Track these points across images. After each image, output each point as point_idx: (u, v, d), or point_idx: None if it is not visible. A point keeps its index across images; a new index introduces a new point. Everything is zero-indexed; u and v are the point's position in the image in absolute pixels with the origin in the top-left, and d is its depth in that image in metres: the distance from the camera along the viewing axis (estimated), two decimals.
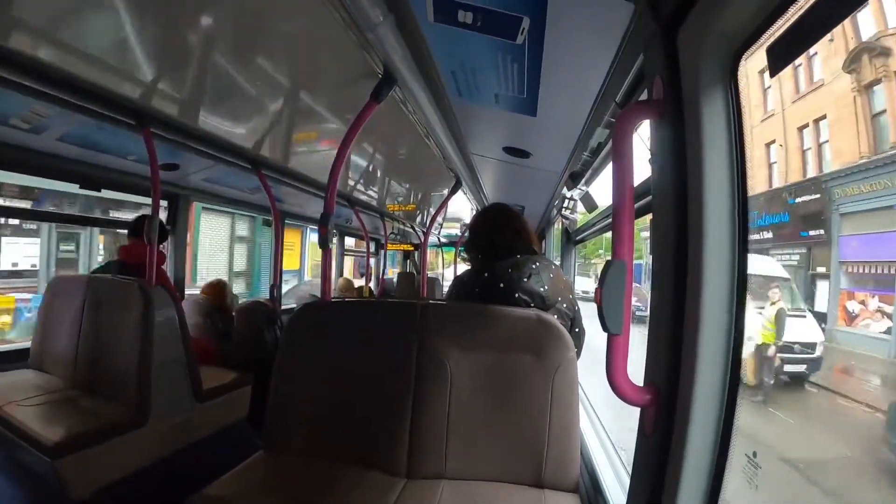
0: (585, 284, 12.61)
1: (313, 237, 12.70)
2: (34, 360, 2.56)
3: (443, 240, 8.61)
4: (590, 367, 1.86)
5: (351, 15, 1.26)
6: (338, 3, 1.22)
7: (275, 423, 1.62)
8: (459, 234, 7.61)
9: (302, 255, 13.24)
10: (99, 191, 3.01)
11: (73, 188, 2.85)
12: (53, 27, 1.46)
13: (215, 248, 10.82)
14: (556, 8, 1.15)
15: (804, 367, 6.04)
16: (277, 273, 3.82)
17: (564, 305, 1.70)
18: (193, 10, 1.43)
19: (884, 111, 5.90)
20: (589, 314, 1.34)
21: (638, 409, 0.96)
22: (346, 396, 1.58)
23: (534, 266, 1.66)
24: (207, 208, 9.78)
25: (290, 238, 12.27)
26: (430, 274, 7.35)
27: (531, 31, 1.27)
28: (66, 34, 1.50)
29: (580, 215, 3.81)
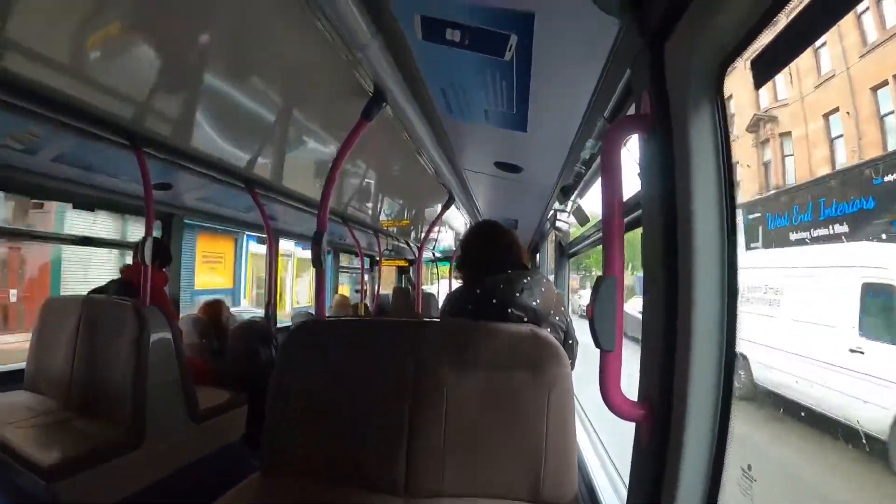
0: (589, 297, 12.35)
1: (255, 247, 11.08)
2: (29, 381, 2.53)
3: (437, 255, 8.61)
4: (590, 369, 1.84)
5: (340, 35, 1.27)
6: (327, 24, 1.24)
7: (271, 444, 1.60)
8: (453, 248, 7.62)
9: (237, 270, 11.00)
10: (92, 210, 3.01)
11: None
12: (48, 48, 1.47)
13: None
14: (542, 25, 1.16)
15: None
16: (272, 291, 3.82)
17: (557, 318, 1.70)
18: (186, 31, 1.45)
19: None
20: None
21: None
22: (342, 415, 1.56)
23: (525, 281, 1.66)
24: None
25: (217, 247, 10.40)
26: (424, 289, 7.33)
27: (518, 48, 1.28)
28: (61, 55, 1.51)
29: (574, 228, 3.82)
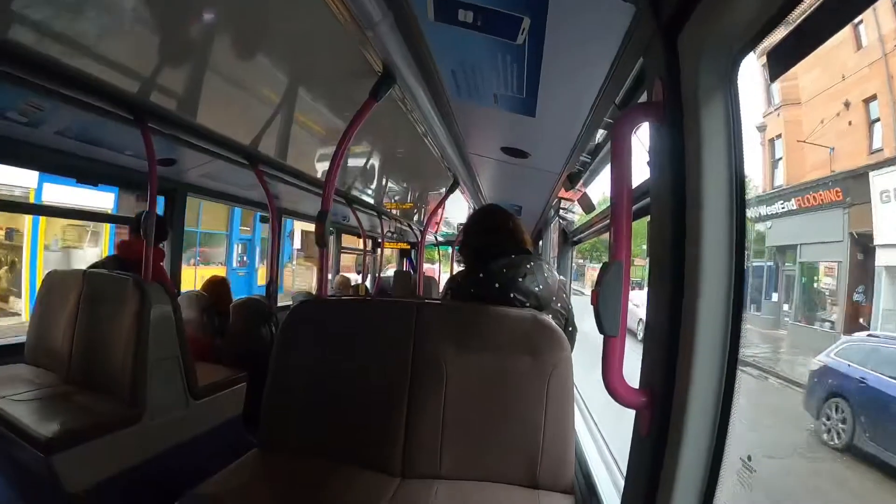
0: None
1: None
2: (29, 354, 2.55)
3: (440, 239, 8.60)
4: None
5: (350, 12, 1.25)
6: (338, 1, 1.22)
7: (270, 421, 1.62)
8: (456, 233, 7.61)
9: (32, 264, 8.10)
10: (96, 185, 3.00)
11: None
12: (52, 20, 1.46)
13: None
14: (556, 9, 1.15)
15: None
16: (273, 270, 3.83)
17: (559, 305, 1.71)
18: (193, 5, 1.43)
19: None
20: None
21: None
22: (341, 395, 1.58)
23: (528, 266, 1.66)
24: None
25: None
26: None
27: (531, 31, 1.26)
28: (65, 28, 1.50)
29: (578, 216, 3.81)
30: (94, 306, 2.36)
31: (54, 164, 2.66)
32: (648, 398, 0.91)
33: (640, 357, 0.98)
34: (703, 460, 0.85)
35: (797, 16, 0.64)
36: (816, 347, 5.39)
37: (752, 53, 0.78)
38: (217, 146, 2.60)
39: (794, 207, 7.89)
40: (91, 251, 9.02)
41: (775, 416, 5.34)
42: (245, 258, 13.29)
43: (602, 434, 2.46)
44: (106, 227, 9.16)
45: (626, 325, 0.87)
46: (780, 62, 0.67)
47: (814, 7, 0.59)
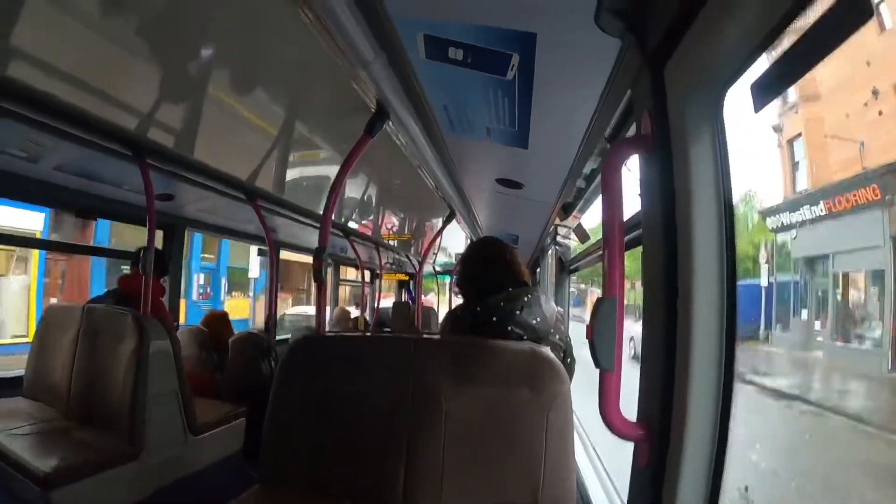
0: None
1: None
2: (28, 388, 2.53)
3: (437, 269, 8.60)
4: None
5: (344, 52, 1.28)
6: (331, 41, 1.25)
7: (270, 456, 1.59)
8: (454, 262, 7.61)
9: None
10: (94, 220, 3.02)
11: None
12: (52, 58, 1.49)
13: None
14: (544, 45, 1.18)
15: None
16: (272, 304, 3.81)
17: (557, 337, 1.70)
18: (191, 45, 1.47)
19: None
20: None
21: None
22: (341, 430, 1.56)
23: (526, 299, 1.65)
24: None
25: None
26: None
27: (520, 67, 1.29)
28: (65, 65, 1.53)
29: (575, 244, 3.82)
30: (93, 341, 2.35)
31: (54, 198, 2.67)
32: (646, 430, 0.90)
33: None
34: (701, 491, 0.84)
35: (781, 47, 0.65)
36: (864, 371, 4.58)
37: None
38: (215, 181, 2.63)
39: (823, 212, 6.76)
40: (17, 279, 8.20)
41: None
42: (208, 290, 11.91)
43: (603, 463, 2.42)
44: (35, 254, 8.26)
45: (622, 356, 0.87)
46: (763, 94, 0.68)
47: (798, 38, 0.60)
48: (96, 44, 1.44)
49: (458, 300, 1.97)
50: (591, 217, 3.02)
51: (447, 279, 7.48)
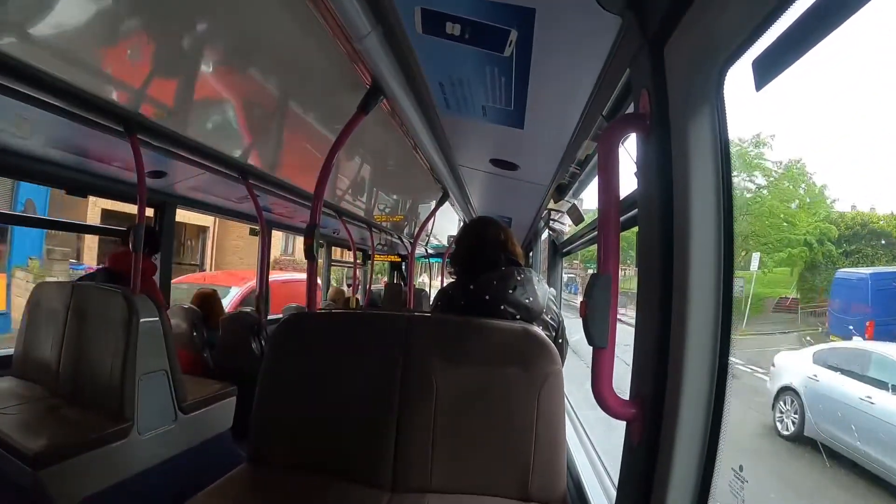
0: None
1: None
2: (16, 368, 2.52)
3: (430, 251, 8.59)
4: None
5: (339, 26, 1.25)
6: (326, 14, 1.22)
7: (259, 435, 1.60)
8: (447, 245, 7.61)
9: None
10: (85, 196, 2.98)
11: None
12: (41, 31, 1.44)
13: None
14: (543, 21, 1.16)
15: None
16: (263, 283, 3.80)
17: (549, 317, 1.70)
18: (183, 17, 1.43)
19: None
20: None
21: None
22: (330, 408, 1.56)
23: (519, 278, 1.65)
24: None
25: None
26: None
27: (518, 43, 1.27)
28: (55, 38, 1.49)
29: (569, 227, 3.82)
30: (83, 319, 2.34)
31: (44, 174, 2.64)
32: (639, 408, 0.91)
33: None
34: (695, 469, 0.84)
35: (784, 24, 0.64)
36: None
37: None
38: (207, 159, 2.59)
39: None
40: None
41: None
42: None
43: (593, 443, 2.45)
44: None
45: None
46: (766, 71, 0.68)
47: (800, 15, 0.60)
48: (85, 15, 1.40)
49: (450, 282, 1.97)
50: (584, 200, 3.03)
51: (440, 262, 7.47)
